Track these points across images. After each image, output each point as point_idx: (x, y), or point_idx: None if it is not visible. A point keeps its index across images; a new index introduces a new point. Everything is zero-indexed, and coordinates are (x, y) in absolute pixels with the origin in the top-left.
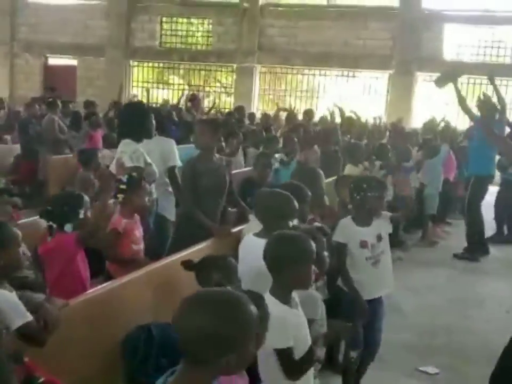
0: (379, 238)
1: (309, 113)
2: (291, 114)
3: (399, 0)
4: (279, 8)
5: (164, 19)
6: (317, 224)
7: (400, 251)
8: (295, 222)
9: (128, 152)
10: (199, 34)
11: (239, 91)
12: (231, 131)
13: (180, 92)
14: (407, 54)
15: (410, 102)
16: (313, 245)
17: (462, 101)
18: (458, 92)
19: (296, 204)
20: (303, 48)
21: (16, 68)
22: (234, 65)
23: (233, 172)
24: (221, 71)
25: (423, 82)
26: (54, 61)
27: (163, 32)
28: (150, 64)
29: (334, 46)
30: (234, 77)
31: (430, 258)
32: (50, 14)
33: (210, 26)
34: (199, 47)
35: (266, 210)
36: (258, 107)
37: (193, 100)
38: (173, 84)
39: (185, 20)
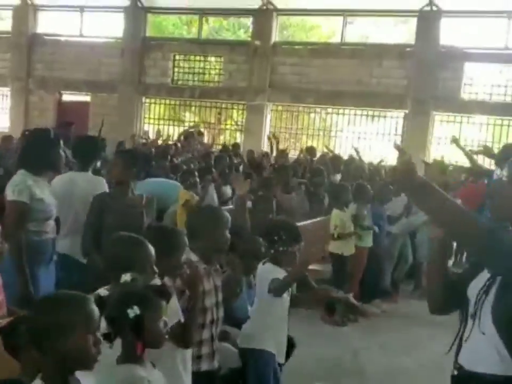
0: None
1: (310, 151)
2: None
3: (415, 37)
4: (291, 46)
5: (177, 56)
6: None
7: (384, 302)
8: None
9: (12, 185)
10: (211, 71)
11: (249, 129)
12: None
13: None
14: (423, 93)
15: (426, 142)
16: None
17: (473, 164)
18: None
19: (146, 252)
20: (315, 86)
21: (30, 104)
22: (245, 103)
23: None
24: (232, 108)
25: (440, 123)
26: (68, 97)
27: (175, 69)
28: (162, 101)
29: (347, 84)
30: (245, 114)
31: (417, 312)
32: (66, 51)
33: (222, 63)
34: (210, 84)
35: (107, 260)
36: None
37: (187, 138)
38: (186, 121)
39: (197, 58)
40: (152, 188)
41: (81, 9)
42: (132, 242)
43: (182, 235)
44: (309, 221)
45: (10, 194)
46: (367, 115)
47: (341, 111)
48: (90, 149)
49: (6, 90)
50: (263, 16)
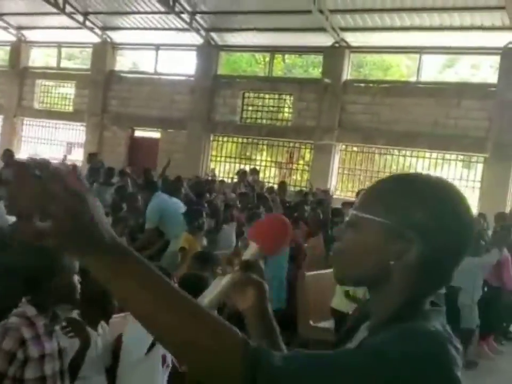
0: None
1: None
2: None
3: (498, 77)
4: (363, 85)
5: (246, 94)
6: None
7: None
8: None
9: None
10: (280, 109)
11: (316, 168)
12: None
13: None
14: (505, 136)
15: (508, 190)
16: None
17: None
18: None
19: None
20: (388, 127)
21: (104, 139)
22: (313, 142)
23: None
24: (300, 148)
25: None
26: (139, 133)
27: (244, 107)
28: (230, 139)
29: (421, 125)
30: (313, 154)
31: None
32: (140, 88)
33: (292, 101)
34: (278, 123)
35: None
36: (336, 186)
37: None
38: (255, 159)
39: (266, 95)
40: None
41: (157, 47)
42: None
43: None
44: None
45: None
46: (443, 159)
47: (414, 153)
48: None
49: (83, 125)
50: (334, 54)
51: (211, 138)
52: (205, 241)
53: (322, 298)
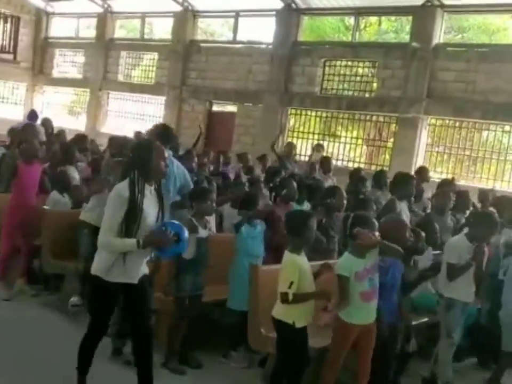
0: None
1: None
2: None
3: None
4: (457, 49)
5: (327, 62)
6: None
7: None
8: None
9: None
10: (362, 79)
11: (399, 145)
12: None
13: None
14: None
15: None
16: None
17: None
18: None
19: None
20: (484, 98)
21: (182, 113)
22: (398, 115)
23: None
24: (384, 122)
25: None
26: (217, 107)
27: (325, 77)
28: (309, 112)
29: None
30: (396, 128)
31: None
32: (218, 58)
33: (375, 69)
34: (360, 94)
35: None
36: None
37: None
38: (340, 136)
39: (349, 63)
40: None
41: (237, 13)
42: None
43: None
44: None
45: None
46: None
47: None
48: None
49: (162, 99)
50: (425, 14)
51: (288, 112)
52: None
53: None
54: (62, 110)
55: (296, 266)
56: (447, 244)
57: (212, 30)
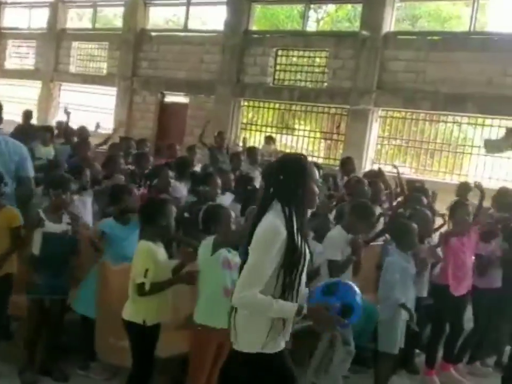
0: None
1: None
2: None
3: None
4: (408, 37)
5: (279, 52)
6: None
7: None
8: None
9: None
10: (314, 69)
11: (350, 138)
12: None
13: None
14: None
15: None
16: None
17: None
18: None
19: None
20: (433, 88)
21: (134, 105)
22: (349, 107)
23: None
24: (335, 114)
25: None
26: (169, 99)
27: (277, 67)
28: (262, 104)
29: (472, 85)
30: (347, 121)
31: None
32: (170, 48)
33: (326, 60)
34: (311, 85)
35: None
36: (374, 159)
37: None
38: (297, 129)
39: (300, 53)
40: None
41: (188, 1)
42: None
43: None
44: None
45: None
46: (499, 126)
47: (472, 120)
48: None
49: (114, 90)
50: (375, 2)
51: (241, 104)
52: None
53: None
54: (13, 102)
55: (150, 253)
56: (325, 239)
57: (164, 18)
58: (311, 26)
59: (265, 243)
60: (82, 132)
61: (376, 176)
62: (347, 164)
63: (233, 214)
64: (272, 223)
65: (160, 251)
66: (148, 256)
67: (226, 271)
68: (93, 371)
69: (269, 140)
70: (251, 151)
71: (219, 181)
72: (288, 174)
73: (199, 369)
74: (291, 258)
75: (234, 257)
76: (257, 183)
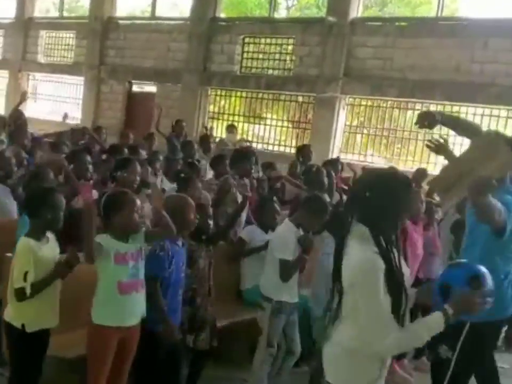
0: None
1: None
2: None
3: None
4: (375, 23)
5: (246, 39)
6: None
7: None
8: None
9: None
10: (280, 56)
11: (317, 127)
12: None
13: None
14: None
15: None
16: None
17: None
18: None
19: None
20: (401, 75)
21: (101, 94)
22: (316, 95)
23: None
24: (303, 102)
25: None
26: (136, 88)
27: (244, 55)
28: (228, 93)
29: (440, 72)
30: (314, 109)
31: None
32: (137, 36)
33: (293, 47)
34: (278, 72)
35: None
36: (342, 149)
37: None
38: (265, 118)
39: (267, 40)
40: None
41: None
42: None
43: None
44: None
45: None
46: (467, 113)
47: (440, 107)
48: None
49: (81, 80)
50: None
51: (208, 92)
52: None
53: None
54: None
55: (30, 252)
56: (274, 236)
57: (132, 6)
58: (281, 14)
59: (368, 285)
60: (19, 117)
61: (333, 164)
62: (303, 151)
63: (138, 202)
64: (369, 257)
65: (43, 248)
66: (26, 256)
67: (120, 266)
68: None
69: (232, 128)
70: (204, 140)
71: (139, 168)
72: (383, 195)
73: (99, 372)
74: (394, 288)
75: (131, 247)
76: (207, 173)
